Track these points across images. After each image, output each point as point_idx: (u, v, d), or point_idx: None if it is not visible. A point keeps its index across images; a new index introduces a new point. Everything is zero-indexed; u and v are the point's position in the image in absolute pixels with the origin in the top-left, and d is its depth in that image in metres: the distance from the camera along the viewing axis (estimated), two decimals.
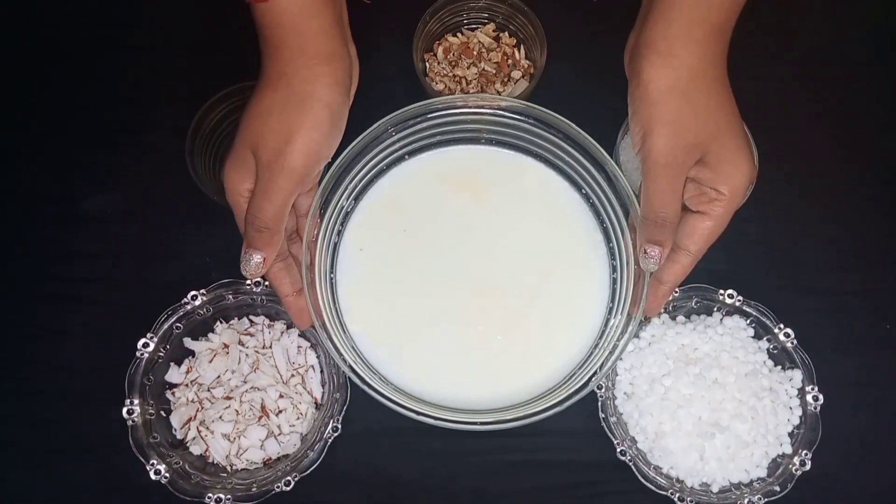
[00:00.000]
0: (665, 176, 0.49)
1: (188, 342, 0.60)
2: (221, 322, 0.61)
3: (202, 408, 0.59)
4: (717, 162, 0.49)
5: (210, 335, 0.61)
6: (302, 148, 0.49)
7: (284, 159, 0.48)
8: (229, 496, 0.55)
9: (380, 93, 0.67)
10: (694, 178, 0.51)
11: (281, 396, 0.59)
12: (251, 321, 0.62)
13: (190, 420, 0.59)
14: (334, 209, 0.57)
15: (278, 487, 0.55)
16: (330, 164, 0.57)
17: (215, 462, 0.58)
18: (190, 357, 0.61)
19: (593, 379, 0.53)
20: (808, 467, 0.57)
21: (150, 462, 0.56)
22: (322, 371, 0.61)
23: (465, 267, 0.59)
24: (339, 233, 0.59)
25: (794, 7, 0.70)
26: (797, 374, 0.59)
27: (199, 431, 0.58)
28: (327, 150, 0.51)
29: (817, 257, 0.65)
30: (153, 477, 0.55)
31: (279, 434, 0.58)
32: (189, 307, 0.59)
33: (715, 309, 0.61)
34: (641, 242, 0.52)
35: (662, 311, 0.61)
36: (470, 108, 0.58)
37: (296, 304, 0.54)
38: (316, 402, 0.60)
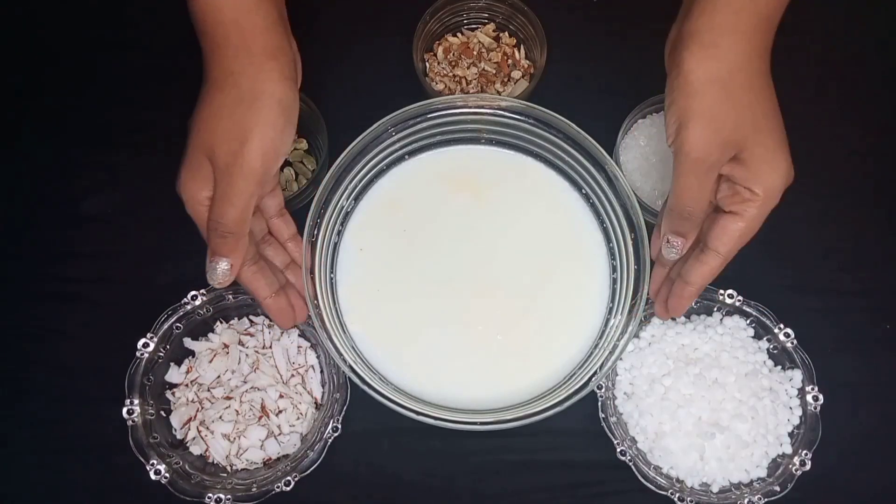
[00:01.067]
0: (696, 171, 0.47)
1: (188, 342, 0.60)
2: (221, 322, 0.61)
3: (202, 408, 0.59)
4: (752, 160, 0.48)
5: (210, 335, 0.61)
6: (259, 147, 0.47)
7: (242, 161, 0.47)
8: (229, 496, 0.55)
9: (380, 93, 0.67)
10: (728, 175, 0.49)
11: (281, 396, 0.59)
12: (251, 321, 0.62)
13: (190, 420, 0.59)
14: (334, 209, 0.58)
15: (278, 487, 0.55)
16: (330, 164, 0.57)
17: (215, 462, 0.58)
18: (190, 357, 0.61)
19: (593, 379, 0.53)
20: (808, 467, 0.57)
21: (150, 462, 0.56)
22: (322, 371, 0.61)
23: (465, 267, 0.59)
24: (339, 233, 0.59)
25: (795, 7, 0.70)
26: (797, 374, 0.59)
27: (199, 431, 0.58)
28: (284, 146, 0.50)
29: (817, 257, 0.65)
30: (153, 477, 0.55)
31: (279, 434, 0.58)
32: (189, 307, 0.59)
33: (715, 309, 0.61)
34: (665, 231, 0.51)
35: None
36: (470, 108, 0.58)
37: (275, 305, 0.54)
38: (316, 402, 0.60)
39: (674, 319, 0.62)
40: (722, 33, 0.46)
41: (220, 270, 0.50)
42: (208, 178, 0.49)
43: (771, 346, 0.60)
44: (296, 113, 0.50)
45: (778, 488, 0.57)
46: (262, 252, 0.55)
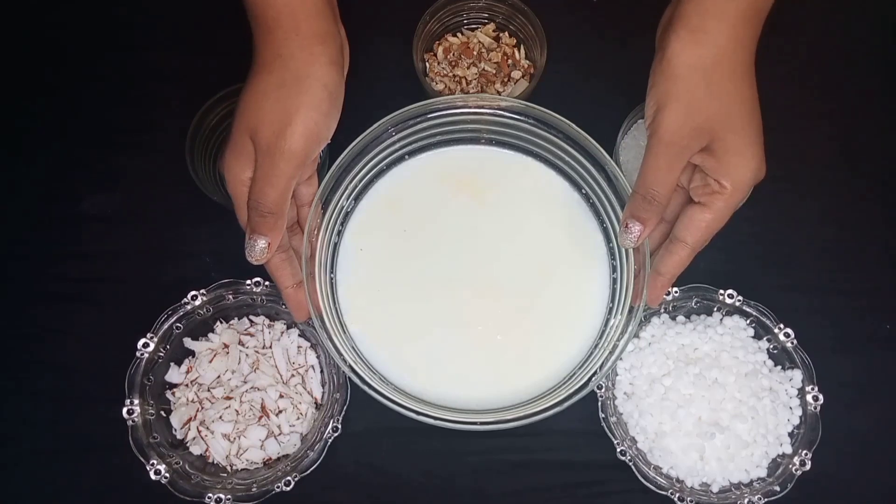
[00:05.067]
0: (666, 154, 0.48)
1: (188, 342, 0.60)
2: (221, 322, 0.61)
3: (202, 408, 0.59)
4: (723, 152, 0.48)
5: (210, 335, 0.61)
6: (302, 130, 0.48)
7: (284, 142, 0.48)
8: (229, 496, 0.55)
9: (380, 93, 0.67)
10: (699, 164, 0.50)
11: (281, 396, 0.59)
12: (251, 321, 0.62)
13: (190, 420, 0.59)
14: (334, 209, 0.58)
15: (278, 487, 0.55)
16: (330, 164, 0.57)
17: (215, 462, 0.58)
18: (190, 357, 0.61)
19: (593, 379, 0.53)
20: (808, 467, 0.57)
21: (150, 462, 0.56)
22: (322, 371, 0.61)
23: (465, 267, 0.59)
24: (339, 233, 0.59)
25: (795, 7, 0.70)
26: (797, 374, 0.59)
27: (199, 431, 0.58)
28: (326, 130, 0.50)
29: (817, 257, 0.65)
30: (153, 477, 0.55)
31: (279, 434, 0.58)
32: (189, 307, 0.59)
33: (715, 309, 0.61)
34: (625, 216, 0.52)
35: (662, 309, 0.61)
36: (470, 108, 0.58)
37: (295, 297, 0.54)
38: (316, 402, 0.60)
39: (673, 319, 0.62)
40: (710, 18, 0.47)
41: (259, 248, 0.51)
42: (251, 158, 0.49)
43: (771, 346, 0.60)
44: (341, 98, 0.50)
45: (778, 488, 0.57)
46: (290, 241, 0.55)
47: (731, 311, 0.61)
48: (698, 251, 0.52)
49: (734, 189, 0.49)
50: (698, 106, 0.47)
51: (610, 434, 0.58)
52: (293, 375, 0.60)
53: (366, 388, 0.53)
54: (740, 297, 0.60)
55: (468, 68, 0.66)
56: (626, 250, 0.56)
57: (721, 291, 0.60)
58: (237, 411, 0.58)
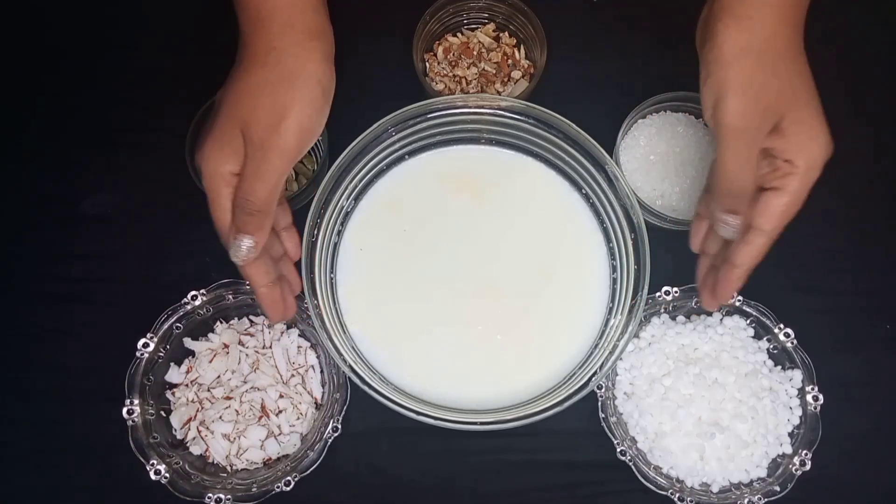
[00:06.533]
0: (741, 140, 0.46)
1: (188, 342, 0.60)
2: (221, 322, 0.61)
3: (202, 408, 0.59)
4: (793, 131, 0.47)
5: (210, 335, 0.61)
6: (296, 126, 0.47)
7: (279, 137, 0.47)
8: (229, 496, 0.55)
9: (380, 93, 0.67)
10: (768, 147, 0.48)
11: (281, 396, 0.59)
12: (251, 321, 0.62)
13: (190, 420, 0.59)
14: (334, 209, 0.58)
15: (278, 487, 0.55)
16: (330, 164, 0.57)
17: (215, 462, 0.58)
18: (190, 357, 0.61)
19: (593, 379, 0.53)
20: (808, 467, 0.57)
21: (150, 462, 0.56)
22: (322, 371, 0.61)
23: (465, 267, 0.59)
24: (339, 233, 0.59)
25: None
26: (797, 374, 0.59)
27: (199, 431, 0.58)
28: (318, 126, 0.50)
29: (817, 257, 0.65)
30: (153, 477, 0.55)
31: (279, 434, 0.58)
32: (189, 307, 0.59)
33: (715, 309, 0.61)
34: (717, 213, 0.50)
35: (662, 309, 0.61)
36: (470, 108, 0.58)
37: (269, 297, 0.53)
38: (316, 402, 0.60)
39: (673, 319, 0.62)
40: (754, 5, 0.46)
41: (245, 248, 0.49)
42: (237, 152, 0.48)
43: (771, 346, 0.60)
44: (332, 94, 0.50)
45: (778, 488, 0.57)
46: None
47: (731, 311, 0.61)
48: (774, 240, 0.50)
49: (808, 167, 0.47)
50: (761, 87, 0.46)
51: (610, 434, 0.58)
52: (293, 375, 0.60)
53: (366, 388, 0.53)
54: (740, 297, 0.60)
55: (468, 68, 0.66)
56: (626, 250, 0.56)
57: None
58: (237, 411, 0.58)
